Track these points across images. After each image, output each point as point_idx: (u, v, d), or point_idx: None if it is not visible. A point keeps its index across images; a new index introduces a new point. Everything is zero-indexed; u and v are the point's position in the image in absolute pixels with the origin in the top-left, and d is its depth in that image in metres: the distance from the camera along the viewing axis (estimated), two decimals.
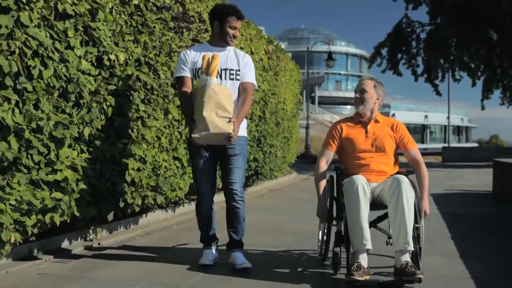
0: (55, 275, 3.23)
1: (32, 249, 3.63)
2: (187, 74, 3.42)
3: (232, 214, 3.47)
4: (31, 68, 3.06)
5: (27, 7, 3.02)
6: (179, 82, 3.46)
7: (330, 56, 21.99)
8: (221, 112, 3.20)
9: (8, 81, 2.93)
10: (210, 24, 3.51)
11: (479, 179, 10.93)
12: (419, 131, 62.16)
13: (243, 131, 3.52)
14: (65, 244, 3.99)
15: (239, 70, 3.44)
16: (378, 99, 3.49)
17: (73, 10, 3.40)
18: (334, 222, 3.32)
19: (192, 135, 3.25)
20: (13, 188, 3.06)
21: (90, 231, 4.25)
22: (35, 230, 3.37)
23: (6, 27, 2.88)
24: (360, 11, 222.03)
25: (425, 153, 34.79)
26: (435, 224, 5.22)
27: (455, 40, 20.52)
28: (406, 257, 3.00)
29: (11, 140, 3.00)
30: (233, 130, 3.23)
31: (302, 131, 18.16)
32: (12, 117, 2.97)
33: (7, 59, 2.87)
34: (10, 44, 2.89)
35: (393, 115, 52.28)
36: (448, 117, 39.07)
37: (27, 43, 3.00)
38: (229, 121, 3.22)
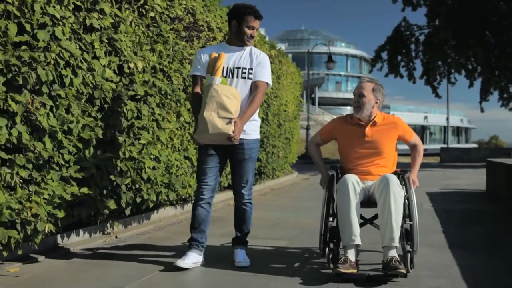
0: (82, 263, 3.58)
1: (58, 241, 3.98)
2: (200, 73, 3.44)
3: (239, 215, 3.60)
4: (63, 76, 3.43)
5: (60, 23, 3.40)
6: (192, 80, 3.53)
7: (330, 58, 22.32)
8: (222, 112, 3.18)
9: (45, 89, 3.29)
10: (228, 24, 3.50)
11: (474, 179, 11.27)
12: (419, 132, 62.41)
13: (254, 133, 3.52)
14: (85, 236, 4.34)
15: (251, 69, 3.39)
16: (376, 102, 3.48)
17: (99, 24, 3.77)
18: (331, 219, 3.39)
19: (193, 135, 3.33)
20: (47, 183, 3.43)
21: (108, 225, 4.61)
22: (64, 222, 3.74)
23: (43, 40, 3.24)
24: (360, 12, 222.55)
25: (424, 153, 35.02)
26: (428, 220, 5.58)
27: (454, 42, 20.87)
28: (392, 253, 3.11)
29: (46, 141, 3.36)
30: (233, 131, 3.21)
31: (302, 131, 18.44)
32: (47, 120, 3.33)
33: (44, 69, 3.24)
34: (46, 56, 3.26)
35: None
36: (447, 118, 39.38)
37: (61, 54, 3.36)
38: (229, 122, 3.19)
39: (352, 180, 3.26)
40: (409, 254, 3.18)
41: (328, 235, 3.36)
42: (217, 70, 3.27)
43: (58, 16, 3.35)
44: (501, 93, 22.66)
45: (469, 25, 19.10)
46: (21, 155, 3.19)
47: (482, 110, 23.43)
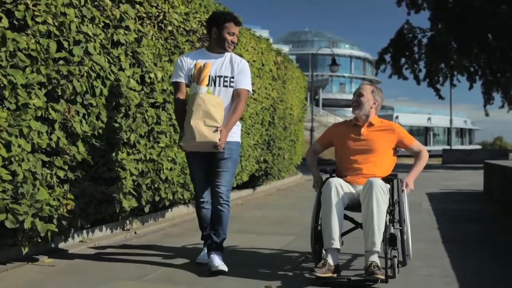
0: (109, 255, 3.97)
1: (84, 235, 4.37)
2: (182, 80, 3.48)
3: (216, 216, 3.51)
4: (95, 87, 3.83)
5: (92, 39, 3.80)
6: (174, 87, 3.56)
7: (334, 61, 22.70)
8: (208, 121, 3.24)
9: (79, 98, 3.70)
10: (208, 31, 3.55)
11: (473, 180, 11.57)
12: (422, 134, 62.71)
13: (235, 136, 3.55)
14: (108, 232, 4.73)
15: (233, 77, 3.45)
16: (374, 103, 3.58)
17: (124, 39, 4.18)
18: (320, 222, 3.37)
19: (180, 143, 3.36)
20: (79, 183, 3.83)
21: (127, 221, 5.00)
22: (93, 218, 4.14)
23: (78, 55, 3.65)
24: (364, 14, 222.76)
25: (428, 155, 35.51)
26: (425, 218, 5.96)
27: (456, 46, 21.21)
28: (373, 258, 3.10)
29: (79, 145, 3.77)
30: (219, 139, 3.27)
31: (306, 133, 18.66)
32: (81, 126, 3.73)
33: (78, 81, 3.64)
34: (80, 69, 3.66)
35: (397, 117, 52.89)
36: (450, 120, 39.67)
37: (92, 67, 3.77)
38: (216, 130, 3.25)
39: (336, 184, 3.29)
40: (395, 259, 3.19)
41: (314, 239, 3.40)
42: (203, 80, 3.31)
43: (90, 34, 3.76)
44: (503, 95, 22.98)
45: (470, 27, 19.41)
46: (58, 158, 3.59)
47: (487, 114, 23.69)
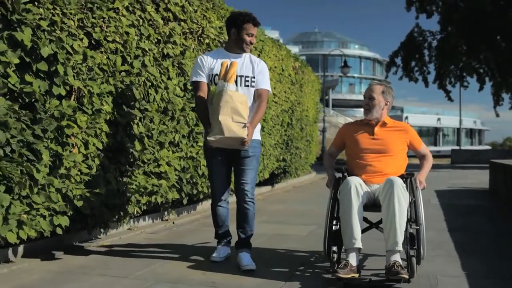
0: (157, 240, 4.58)
1: (131, 223, 5.00)
2: (203, 79, 3.50)
3: (242, 214, 3.57)
4: (149, 95, 4.47)
5: (147, 53, 4.44)
6: (195, 86, 3.58)
7: (345, 63, 23.26)
8: (236, 117, 3.30)
9: (137, 104, 4.34)
10: (227, 32, 3.61)
11: (480, 179, 12.10)
12: (432, 134, 62.96)
13: (256, 134, 3.60)
14: (149, 221, 5.36)
15: (254, 77, 3.51)
16: (386, 104, 3.53)
17: (173, 52, 4.82)
18: (335, 222, 3.34)
19: (208, 138, 3.37)
20: (136, 176, 4.47)
21: (166, 212, 5.63)
22: (145, 207, 4.78)
23: (137, 68, 4.29)
24: (373, 15, 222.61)
25: (437, 155, 36.04)
26: (433, 211, 6.53)
27: (465, 48, 21.64)
28: (395, 257, 3.05)
29: (136, 144, 4.41)
30: (247, 135, 3.33)
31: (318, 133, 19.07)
32: (138, 128, 4.37)
33: (136, 89, 4.28)
34: (139, 80, 4.31)
35: (406, 118, 53.21)
36: (460, 120, 40.05)
37: (148, 78, 4.41)
38: (244, 126, 3.31)
39: (355, 183, 3.23)
40: (413, 259, 3.09)
41: (330, 239, 3.30)
42: (231, 78, 3.36)
43: (146, 49, 4.40)
44: None
45: (478, 30, 19.83)
46: (121, 155, 4.23)
47: (497, 115, 24.03)
